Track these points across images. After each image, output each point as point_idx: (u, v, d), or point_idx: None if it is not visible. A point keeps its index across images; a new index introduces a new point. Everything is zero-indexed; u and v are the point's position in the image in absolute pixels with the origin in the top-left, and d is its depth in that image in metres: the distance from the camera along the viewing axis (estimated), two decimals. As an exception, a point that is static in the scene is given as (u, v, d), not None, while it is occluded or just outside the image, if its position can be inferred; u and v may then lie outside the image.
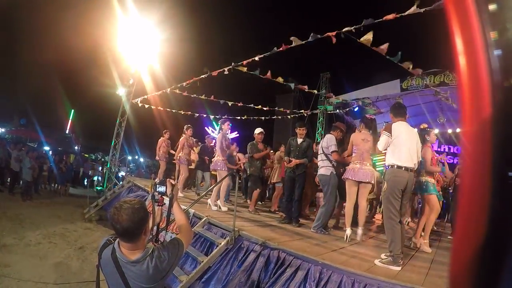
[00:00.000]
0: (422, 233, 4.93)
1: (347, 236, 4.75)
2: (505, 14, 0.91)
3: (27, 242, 6.03)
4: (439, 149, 13.83)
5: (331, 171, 5.17)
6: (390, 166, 3.73)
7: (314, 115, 14.86)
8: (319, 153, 5.47)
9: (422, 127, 5.40)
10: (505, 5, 0.92)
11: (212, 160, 6.71)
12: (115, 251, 1.71)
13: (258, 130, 7.11)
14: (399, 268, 3.41)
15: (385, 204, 3.73)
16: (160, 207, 2.15)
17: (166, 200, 2.14)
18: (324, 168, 5.26)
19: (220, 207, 6.17)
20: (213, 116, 12.78)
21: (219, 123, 6.36)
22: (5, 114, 28.13)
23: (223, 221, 4.79)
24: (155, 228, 2.17)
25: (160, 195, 2.12)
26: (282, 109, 12.96)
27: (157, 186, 2.10)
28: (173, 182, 2.12)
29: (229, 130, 6.43)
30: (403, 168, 3.64)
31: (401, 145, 3.71)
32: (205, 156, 8.39)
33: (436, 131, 12.89)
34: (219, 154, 6.30)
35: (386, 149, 3.85)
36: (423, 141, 4.57)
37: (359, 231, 4.79)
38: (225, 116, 10.58)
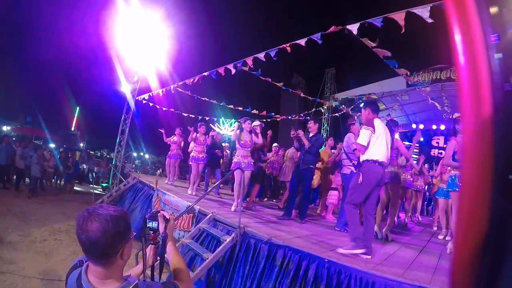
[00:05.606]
0: None
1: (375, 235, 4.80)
2: (505, 16, 0.89)
3: (33, 239, 6.05)
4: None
5: (351, 170, 5.24)
6: (366, 161, 3.77)
7: (320, 112, 14.77)
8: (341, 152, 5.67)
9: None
10: (505, 6, 0.90)
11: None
12: (81, 276, 1.28)
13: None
14: (361, 251, 3.52)
15: (352, 190, 3.82)
16: (153, 246, 1.67)
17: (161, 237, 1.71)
18: (345, 167, 5.43)
19: None
20: (215, 119, 12.68)
21: (241, 121, 6.07)
22: (11, 112, 28.29)
23: (228, 217, 4.77)
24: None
25: (151, 232, 1.64)
26: (283, 116, 12.91)
27: (148, 221, 1.63)
28: (168, 216, 1.67)
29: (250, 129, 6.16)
30: (378, 163, 3.73)
31: (382, 142, 3.79)
32: (214, 152, 8.21)
33: (443, 127, 12.81)
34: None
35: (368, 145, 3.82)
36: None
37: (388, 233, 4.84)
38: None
